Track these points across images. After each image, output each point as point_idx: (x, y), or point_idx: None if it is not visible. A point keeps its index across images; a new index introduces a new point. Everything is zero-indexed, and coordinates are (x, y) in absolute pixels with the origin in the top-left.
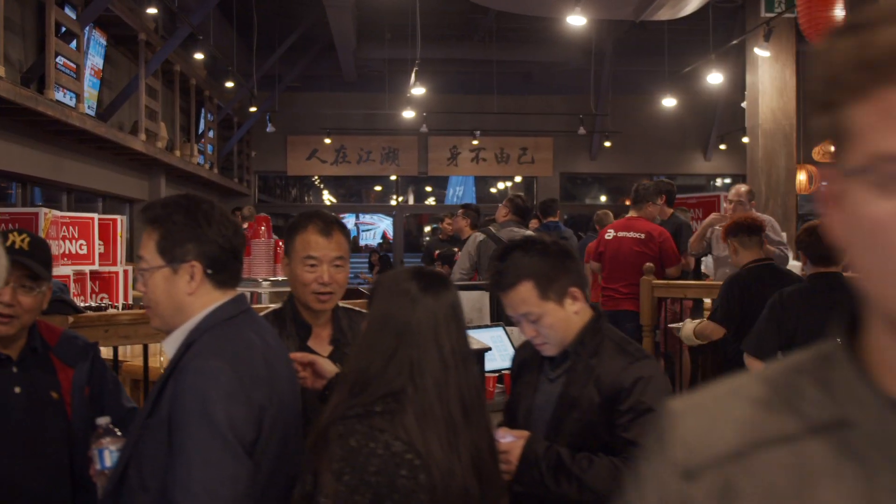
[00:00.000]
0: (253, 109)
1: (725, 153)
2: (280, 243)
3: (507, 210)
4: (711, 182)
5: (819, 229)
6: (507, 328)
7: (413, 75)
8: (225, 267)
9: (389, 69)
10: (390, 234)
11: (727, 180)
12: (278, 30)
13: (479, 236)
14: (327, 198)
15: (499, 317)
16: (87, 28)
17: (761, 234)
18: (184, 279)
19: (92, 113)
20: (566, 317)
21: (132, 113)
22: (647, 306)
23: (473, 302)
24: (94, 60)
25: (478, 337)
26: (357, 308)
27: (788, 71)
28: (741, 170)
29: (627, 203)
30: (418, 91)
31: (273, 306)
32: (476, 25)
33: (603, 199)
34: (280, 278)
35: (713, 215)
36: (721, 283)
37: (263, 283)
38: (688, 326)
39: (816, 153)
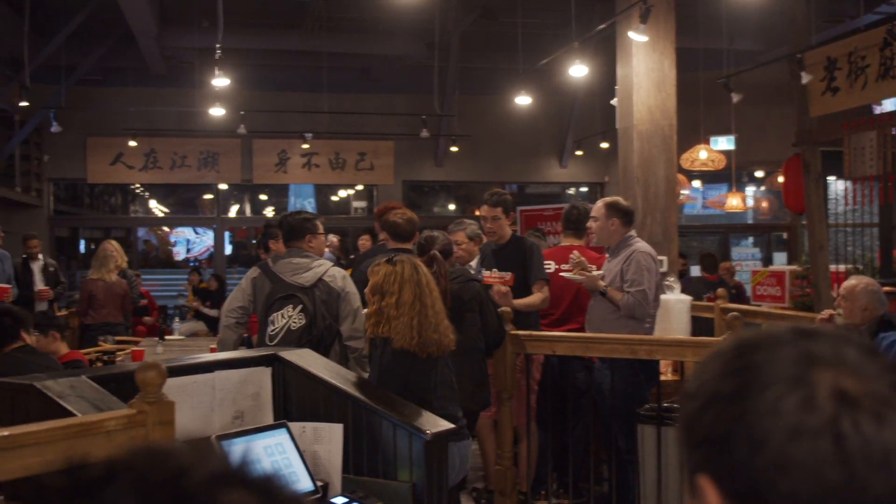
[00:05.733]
0: (24, 104)
1: (582, 159)
2: None
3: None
4: (567, 191)
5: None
6: (292, 427)
7: (217, 63)
8: None
9: (202, 60)
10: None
11: (583, 189)
12: (64, 10)
13: (255, 271)
14: (156, 207)
15: (286, 408)
16: None
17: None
18: None
19: None
20: None
21: None
22: (504, 366)
23: (245, 382)
24: None
25: (248, 446)
26: None
27: (668, 61)
28: (599, 177)
29: (477, 213)
30: (221, 82)
31: None
32: (304, 13)
33: (452, 207)
34: None
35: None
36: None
37: None
38: None
39: (685, 160)
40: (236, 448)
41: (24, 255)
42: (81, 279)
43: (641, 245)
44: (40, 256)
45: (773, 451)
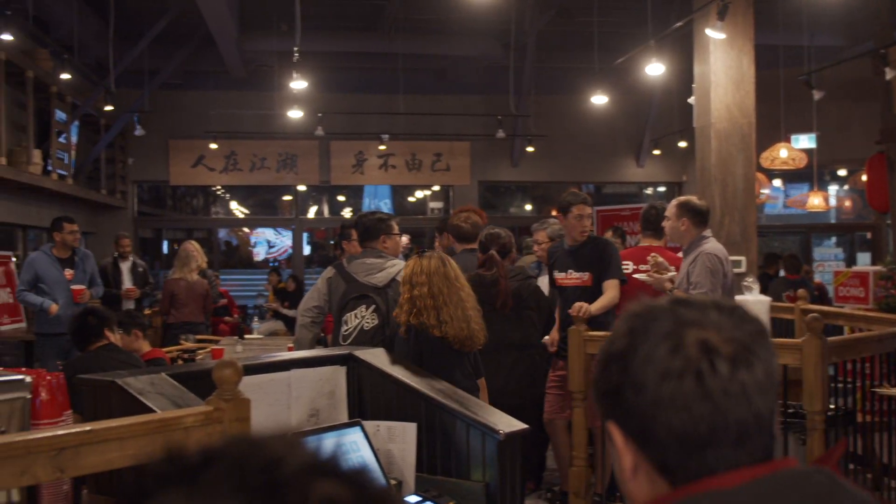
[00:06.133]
0: (109, 108)
1: (660, 159)
2: None
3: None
4: (644, 191)
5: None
6: (367, 425)
7: (295, 66)
8: None
9: (280, 63)
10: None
11: (661, 189)
12: (147, 16)
13: (330, 271)
14: (236, 208)
15: (360, 406)
16: None
17: None
18: None
19: None
20: None
21: None
22: (579, 367)
23: (320, 381)
24: None
25: (321, 443)
26: None
27: (746, 59)
28: (676, 177)
29: (554, 213)
30: (298, 85)
31: None
32: (381, 15)
33: (528, 208)
34: None
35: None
36: None
37: None
38: None
39: (765, 159)
40: (328, 441)
41: (115, 255)
42: (164, 279)
43: (709, 246)
44: (130, 256)
45: (650, 392)
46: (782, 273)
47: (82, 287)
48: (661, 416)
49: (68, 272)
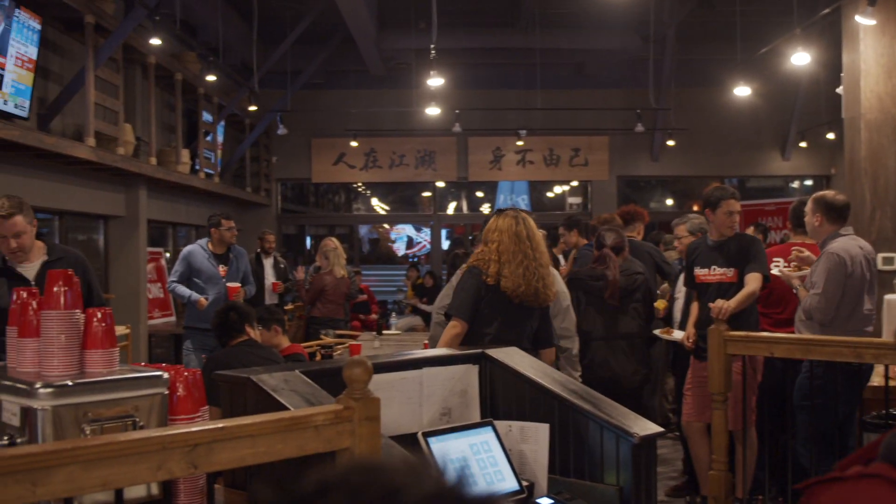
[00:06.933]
0: (252, 108)
1: (807, 151)
2: (101, 314)
3: None
4: (790, 184)
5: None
6: (498, 425)
7: (432, 64)
8: None
9: (418, 61)
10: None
11: (808, 182)
12: (289, 18)
13: (465, 268)
14: (377, 205)
15: (493, 406)
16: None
17: None
18: None
19: (23, 113)
20: None
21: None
22: (719, 368)
23: (453, 380)
24: (23, 49)
25: (452, 445)
26: None
27: None
28: (824, 170)
29: (696, 208)
30: (436, 82)
31: None
32: (518, 10)
33: (669, 203)
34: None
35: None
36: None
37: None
38: None
39: None
40: (452, 464)
41: (259, 250)
42: (308, 274)
43: (836, 245)
44: (273, 253)
45: None
46: None
47: (238, 285)
48: None
49: (222, 269)
